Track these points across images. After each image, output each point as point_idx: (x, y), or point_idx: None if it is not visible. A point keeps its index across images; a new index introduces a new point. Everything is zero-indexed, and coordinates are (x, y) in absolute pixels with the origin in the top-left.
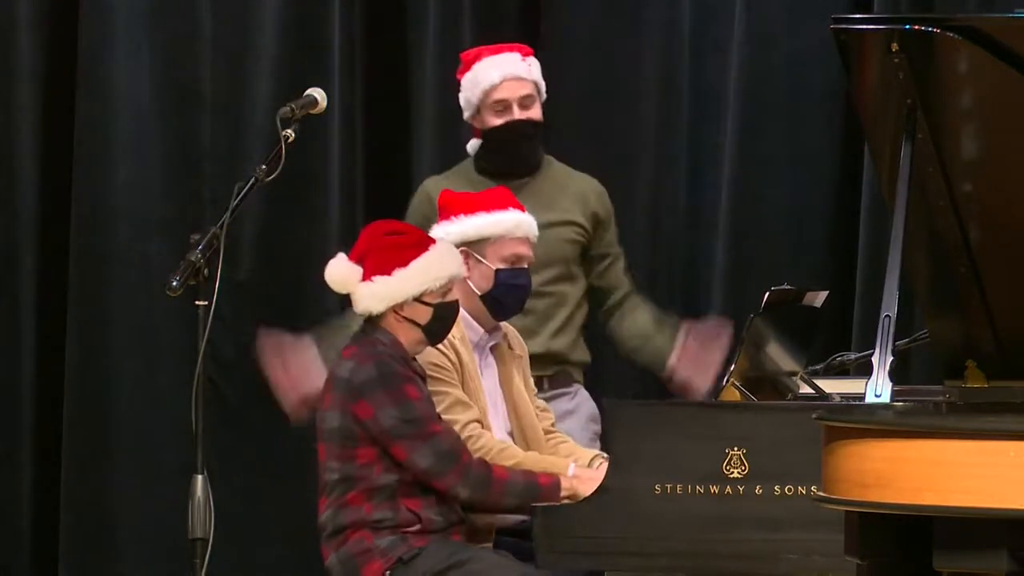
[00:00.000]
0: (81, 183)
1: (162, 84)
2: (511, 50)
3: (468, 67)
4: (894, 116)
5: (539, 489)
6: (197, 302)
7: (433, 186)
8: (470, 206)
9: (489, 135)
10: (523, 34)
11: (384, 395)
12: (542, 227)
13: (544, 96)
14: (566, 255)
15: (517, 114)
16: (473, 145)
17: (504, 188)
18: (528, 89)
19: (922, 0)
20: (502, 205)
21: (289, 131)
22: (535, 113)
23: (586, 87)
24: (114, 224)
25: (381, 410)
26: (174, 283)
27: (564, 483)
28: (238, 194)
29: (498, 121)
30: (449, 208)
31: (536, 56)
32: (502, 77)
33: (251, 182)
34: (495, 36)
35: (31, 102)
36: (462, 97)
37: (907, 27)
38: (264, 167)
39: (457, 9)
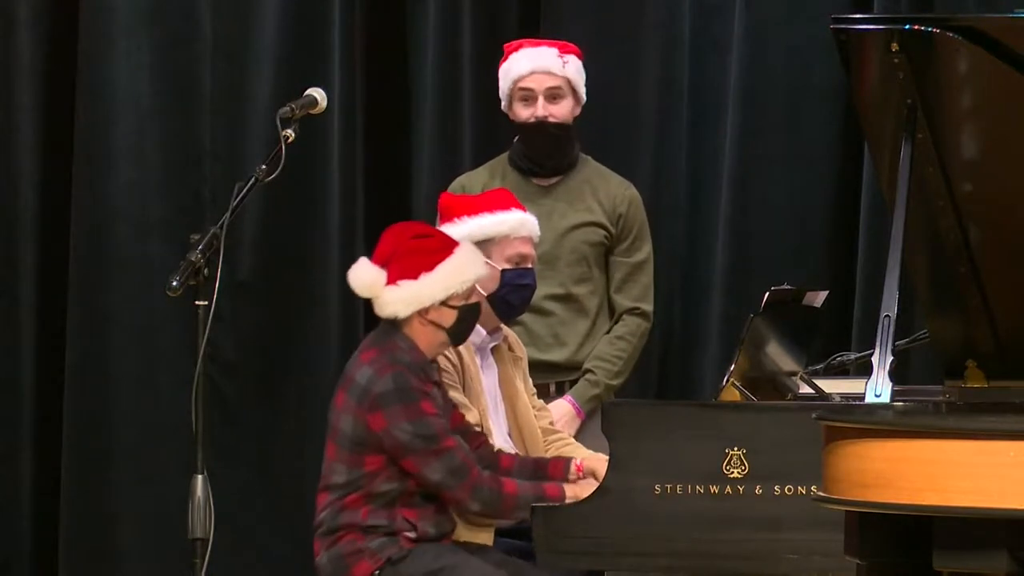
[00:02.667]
0: (81, 183)
1: (162, 84)
2: (550, 45)
3: (506, 57)
4: (894, 116)
5: (546, 501)
6: (197, 302)
7: (469, 181)
8: (473, 207)
9: (519, 130)
10: (523, 34)
11: (400, 410)
12: (567, 228)
13: (583, 98)
14: (586, 256)
15: (542, 107)
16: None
17: (504, 189)
18: (556, 83)
19: (922, 0)
20: (505, 205)
21: (289, 131)
22: (561, 111)
23: (586, 87)
24: (114, 224)
25: (395, 425)
26: (174, 283)
27: (568, 492)
28: (238, 194)
29: (525, 112)
30: (451, 210)
31: None
32: (532, 68)
33: (251, 182)
34: (495, 36)
35: (31, 102)
36: (500, 88)
37: (907, 27)
38: (264, 167)
39: (457, 9)
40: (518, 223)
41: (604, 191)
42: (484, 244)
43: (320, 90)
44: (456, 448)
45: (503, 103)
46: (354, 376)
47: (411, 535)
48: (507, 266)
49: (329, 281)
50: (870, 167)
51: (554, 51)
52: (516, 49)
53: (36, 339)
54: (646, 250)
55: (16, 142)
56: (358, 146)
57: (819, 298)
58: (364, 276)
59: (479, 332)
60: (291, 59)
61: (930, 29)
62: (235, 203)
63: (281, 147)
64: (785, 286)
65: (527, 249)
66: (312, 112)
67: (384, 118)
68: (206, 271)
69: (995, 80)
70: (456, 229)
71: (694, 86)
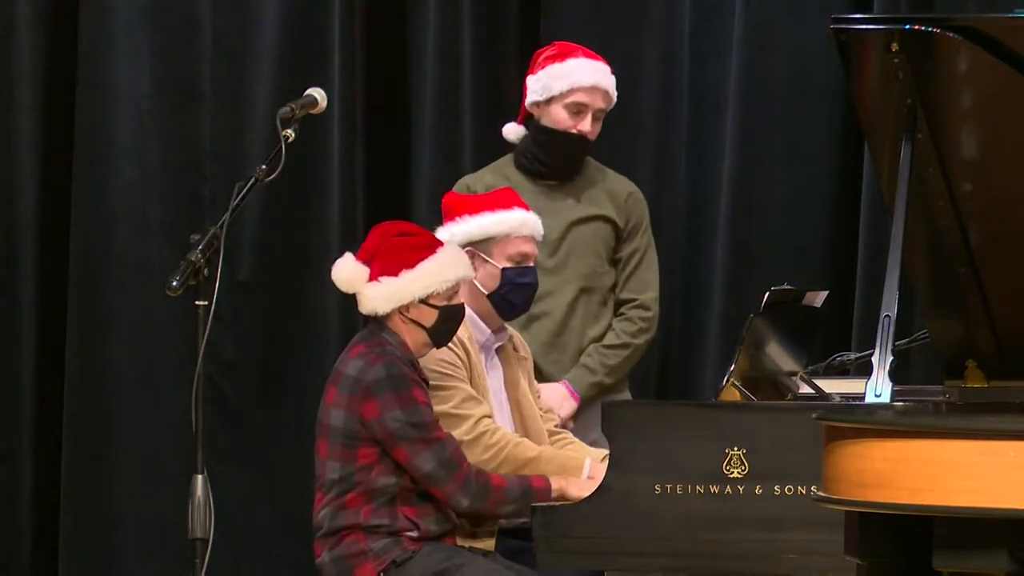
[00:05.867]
0: (81, 183)
1: (162, 84)
2: (604, 61)
3: (561, 57)
4: (894, 116)
5: (533, 493)
6: (197, 302)
7: (473, 182)
8: (475, 206)
9: (547, 133)
10: (523, 34)
11: (392, 397)
12: (577, 222)
13: None
14: (598, 249)
15: (588, 124)
16: (513, 129)
17: (508, 188)
18: (606, 105)
19: (922, 0)
20: (507, 204)
21: (289, 131)
22: (597, 130)
23: None
24: (114, 224)
25: (388, 412)
26: (174, 283)
27: (554, 484)
28: (238, 194)
29: (567, 119)
30: (454, 209)
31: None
32: (594, 83)
33: (251, 182)
34: (495, 36)
35: (31, 102)
36: (538, 81)
37: (907, 27)
38: (264, 167)
39: (457, 9)
40: (519, 222)
41: (608, 187)
42: (485, 242)
43: (320, 90)
44: (447, 439)
45: (534, 97)
46: (344, 371)
47: (414, 534)
48: (508, 265)
49: (329, 281)
50: (870, 167)
51: (607, 69)
52: (573, 53)
53: (36, 339)
54: (648, 243)
55: (16, 142)
56: (358, 146)
57: (819, 298)
58: (346, 271)
59: (483, 331)
60: (291, 59)
61: (930, 29)
62: (235, 203)
63: (281, 147)
64: (785, 286)
65: (529, 248)
66: (312, 112)
67: (384, 118)
68: (206, 271)
69: (995, 80)
70: (458, 228)
71: (694, 86)
